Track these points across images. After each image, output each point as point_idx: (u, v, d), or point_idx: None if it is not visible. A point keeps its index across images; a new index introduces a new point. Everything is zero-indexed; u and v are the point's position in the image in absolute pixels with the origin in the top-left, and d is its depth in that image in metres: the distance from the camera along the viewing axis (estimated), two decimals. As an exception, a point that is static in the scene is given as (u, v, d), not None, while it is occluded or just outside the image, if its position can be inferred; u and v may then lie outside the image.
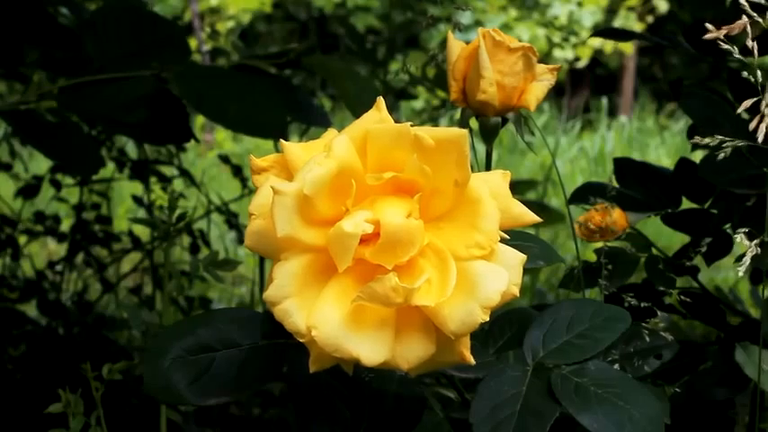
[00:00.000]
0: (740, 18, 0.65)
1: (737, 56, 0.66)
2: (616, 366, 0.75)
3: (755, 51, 0.65)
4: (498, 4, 6.82)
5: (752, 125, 0.65)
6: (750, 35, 0.65)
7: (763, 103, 0.66)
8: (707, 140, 0.70)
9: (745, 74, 0.66)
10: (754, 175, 0.89)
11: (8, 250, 1.74)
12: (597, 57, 7.28)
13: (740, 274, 0.67)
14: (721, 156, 0.69)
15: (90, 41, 1.09)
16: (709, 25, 0.65)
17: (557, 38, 6.92)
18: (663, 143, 5.48)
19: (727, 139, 0.69)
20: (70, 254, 1.78)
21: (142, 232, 2.05)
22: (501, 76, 0.73)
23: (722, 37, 0.65)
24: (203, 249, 1.73)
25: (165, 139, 1.33)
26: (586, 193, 0.99)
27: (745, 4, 0.65)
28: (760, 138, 0.65)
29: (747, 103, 0.66)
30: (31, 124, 1.05)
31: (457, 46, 0.75)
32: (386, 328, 0.51)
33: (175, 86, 1.07)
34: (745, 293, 1.93)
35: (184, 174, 1.77)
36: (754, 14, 0.65)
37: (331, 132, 0.55)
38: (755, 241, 0.69)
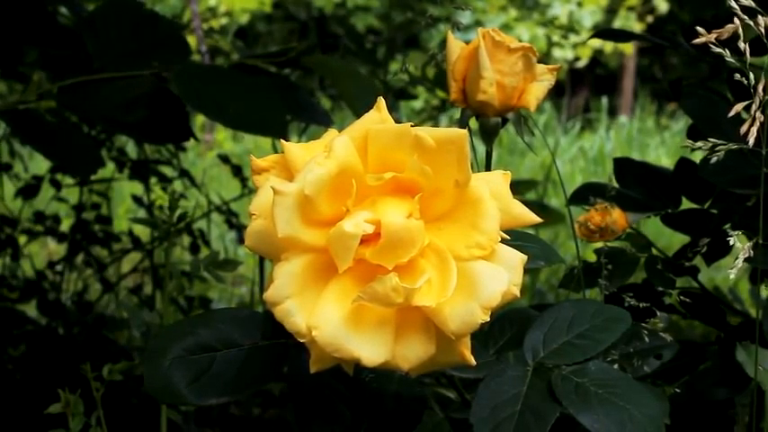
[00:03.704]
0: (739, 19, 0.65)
1: (729, 59, 0.66)
2: (616, 366, 0.75)
3: (747, 54, 0.65)
4: (498, 4, 6.82)
5: (743, 129, 0.65)
6: (742, 37, 0.65)
7: (754, 107, 0.66)
8: (699, 144, 0.70)
9: (737, 76, 0.67)
10: (754, 175, 0.89)
11: (8, 250, 1.74)
12: (597, 57, 7.28)
13: (731, 276, 0.67)
14: (714, 159, 0.69)
15: (90, 40, 1.09)
16: (700, 28, 0.66)
17: (556, 37, 6.92)
18: (663, 143, 5.48)
19: (719, 142, 0.69)
20: (70, 254, 1.78)
21: (142, 232, 2.05)
22: (501, 77, 0.73)
23: (713, 40, 0.65)
24: (203, 249, 1.73)
25: (165, 139, 1.33)
26: (586, 193, 0.99)
27: (737, 7, 0.65)
28: (751, 142, 0.65)
29: (739, 106, 0.66)
30: (30, 124, 1.05)
31: (457, 46, 0.75)
32: (386, 329, 0.51)
33: (175, 86, 1.07)
34: (745, 293, 1.93)
35: (184, 174, 1.77)
36: (745, 17, 0.65)
37: (331, 132, 0.55)
38: (748, 244, 0.69)
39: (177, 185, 1.88)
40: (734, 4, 0.65)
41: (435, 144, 0.52)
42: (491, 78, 0.73)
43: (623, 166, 1.07)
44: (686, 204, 1.03)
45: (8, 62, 1.23)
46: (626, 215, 0.96)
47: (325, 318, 0.51)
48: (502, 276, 0.52)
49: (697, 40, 0.65)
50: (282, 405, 1.53)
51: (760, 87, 0.66)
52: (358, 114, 0.56)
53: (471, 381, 0.64)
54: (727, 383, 0.90)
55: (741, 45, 0.65)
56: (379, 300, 0.50)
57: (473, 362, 0.53)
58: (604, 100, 6.59)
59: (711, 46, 0.66)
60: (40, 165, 2.35)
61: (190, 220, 0.99)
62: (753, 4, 0.66)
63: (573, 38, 6.95)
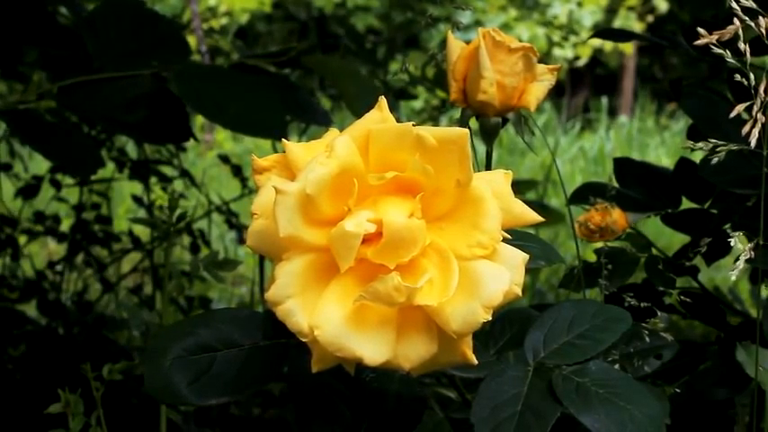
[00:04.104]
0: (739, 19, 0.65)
1: (730, 59, 0.66)
2: (616, 366, 0.75)
3: (748, 55, 0.65)
4: (498, 4, 6.82)
5: (744, 129, 0.65)
6: (742, 38, 0.65)
7: (755, 108, 0.66)
8: (700, 145, 0.70)
9: (737, 77, 0.66)
10: (754, 175, 0.89)
11: (8, 250, 1.74)
12: (597, 56, 7.28)
13: (733, 278, 0.67)
14: (715, 160, 0.70)
15: (90, 40, 1.09)
16: (701, 30, 0.65)
17: (556, 37, 6.92)
18: (663, 143, 5.48)
19: (720, 143, 0.69)
20: (70, 254, 1.78)
21: (142, 232, 2.05)
22: (501, 77, 0.73)
23: (715, 41, 0.65)
24: (203, 249, 1.73)
25: (165, 139, 1.33)
26: (586, 193, 0.99)
27: (737, 8, 0.65)
28: (753, 143, 0.65)
29: (741, 106, 0.66)
30: (30, 124, 1.05)
31: (457, 46, 0.75)
32: (388, 328, 0.51)
33: (175, 86, 1.07)
34: (745, 293, 1.93)
35: (184, 174, 1.77)
36: (746, 18, 0.65)
37: (333, 132, 0.55)
38: (749, 245, 0.69)
39: (177, 185, 1.88)
40: (735, 5, 0.65)
41: (437, 143, 0.52)
42: (491, 78, 0.73)
43: (623, 166, 1.07)
44: (686, 204, 1.03)
45: (8, 62, 1.23)
46: (626, 215, 0.96)
47: (327, 317, 0.51)
48: (503, 275, 0.52)
49: (698, 42, 0.65)
50: (282, 405, 1.53)
51: (761, 88, 0.66)
52: (358, 115, 0.56)
53: (472, 380, 0.64)
54: (727, 383, 0.90)
55: (741, 46, 0.65)
56: (380, 299, 0.50)
57: (475, 361, 0.53)
58: (604, 100, 6.60)
59: (712, 47, 0.66)
60: (40, 165, 2.35)
61: (190, 220, 0.99)
62: (753, 5, 0.66)
63: (573, 38, 6.95)
